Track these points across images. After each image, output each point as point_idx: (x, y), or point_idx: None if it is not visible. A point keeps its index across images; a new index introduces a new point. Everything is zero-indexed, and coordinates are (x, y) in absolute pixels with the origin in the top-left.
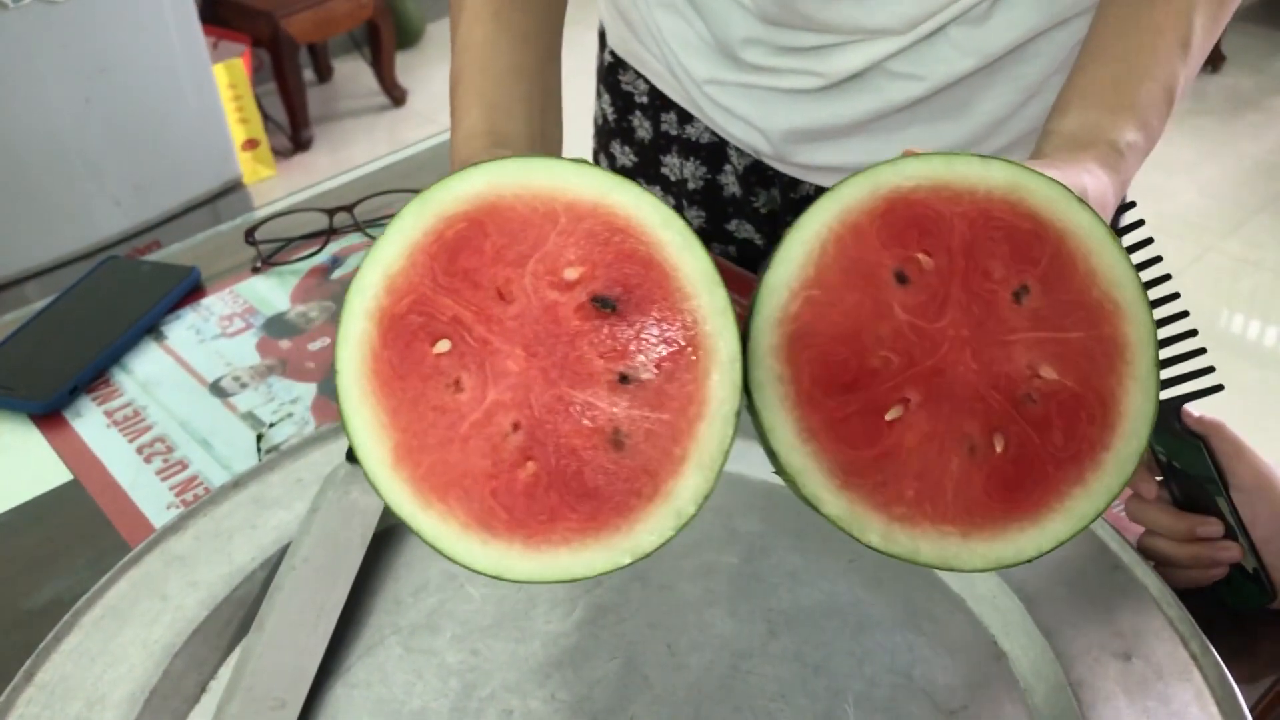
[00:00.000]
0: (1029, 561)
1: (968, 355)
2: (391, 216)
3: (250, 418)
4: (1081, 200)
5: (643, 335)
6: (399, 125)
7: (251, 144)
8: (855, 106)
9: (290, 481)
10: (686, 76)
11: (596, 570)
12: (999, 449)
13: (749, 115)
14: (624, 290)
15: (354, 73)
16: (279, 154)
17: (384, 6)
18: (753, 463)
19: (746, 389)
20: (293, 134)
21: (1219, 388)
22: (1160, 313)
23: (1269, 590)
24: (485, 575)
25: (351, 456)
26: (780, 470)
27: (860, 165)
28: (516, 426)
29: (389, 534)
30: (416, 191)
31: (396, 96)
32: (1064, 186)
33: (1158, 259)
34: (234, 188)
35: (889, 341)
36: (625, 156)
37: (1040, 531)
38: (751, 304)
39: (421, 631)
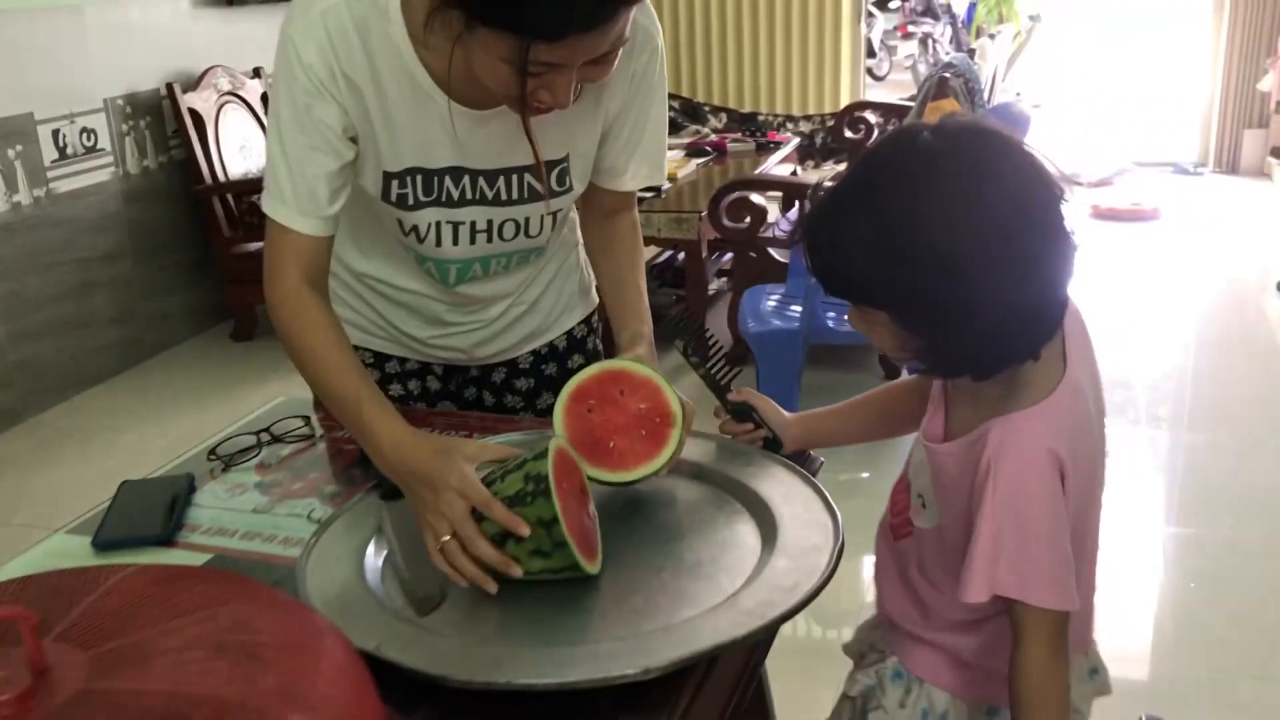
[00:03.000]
0: (648, 477)
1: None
2: (294, 434)
3: (293, 514)
4: (653, 369)
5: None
6: None
7: None
8: (503, 324)
9: (354, 518)
10: (412, 340)
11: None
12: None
13: (452, 344)
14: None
15: None
16: None
17: None
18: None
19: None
20: None
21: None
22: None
23: (780, 445)
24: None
25: (385, 495)
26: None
27: (505, 349)
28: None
29: None
30: (311, 419)
31: None
32: (652, 367)
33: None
34: None
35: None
36: None
37: (644, 468)
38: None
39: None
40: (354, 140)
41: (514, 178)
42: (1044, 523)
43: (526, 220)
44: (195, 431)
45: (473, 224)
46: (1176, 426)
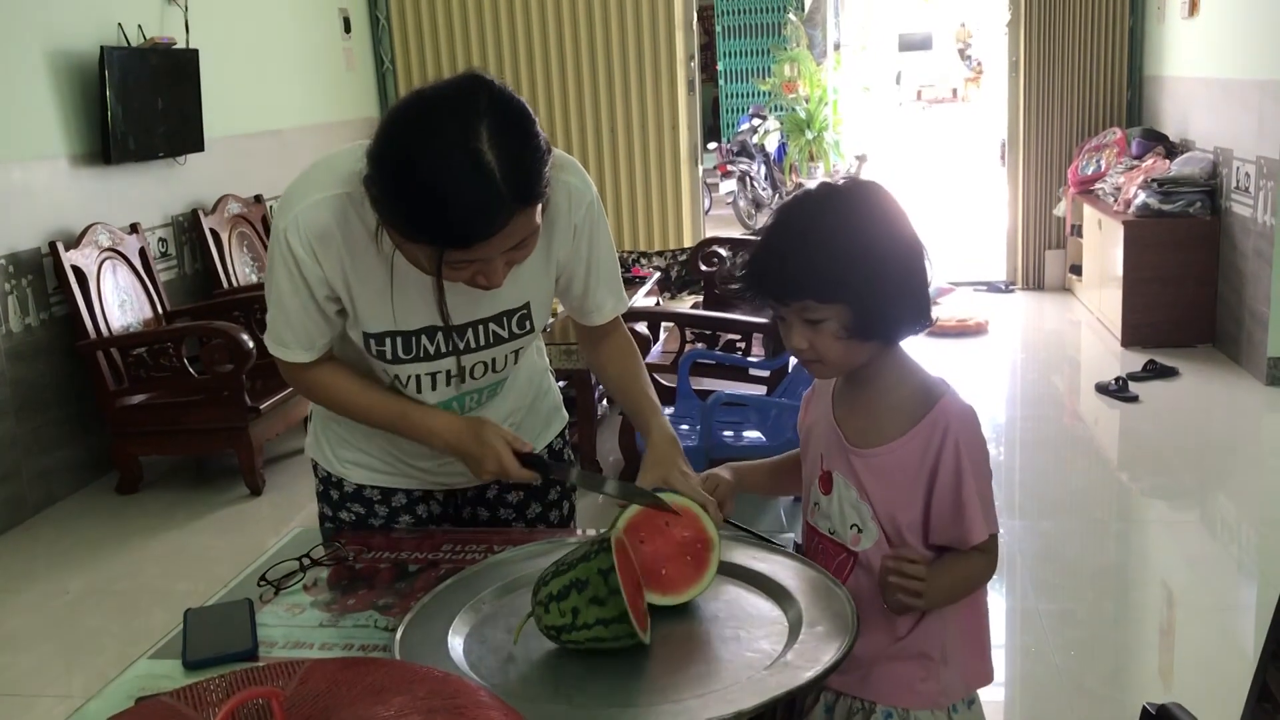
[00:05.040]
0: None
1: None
2: (329, 557)
3: (359, 625)
4: (690, 498)
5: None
6: None
7: None
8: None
9: (424, 617)
10: (421, 471)
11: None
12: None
13: (456, 469)
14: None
15: None
16: None
17: None
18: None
19: None
20: None
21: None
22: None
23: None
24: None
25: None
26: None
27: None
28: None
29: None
30: (341, 544)
31: None
32: (694, 500)
33: None
34: None
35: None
36: (375, 523)
37: (693, 590)
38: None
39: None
40: (336, 300)
41: (480, 328)
42: (989, 466)
43: (493, 360)
44: (99, 585)
45: (448, 371)
46: (1028, 515)
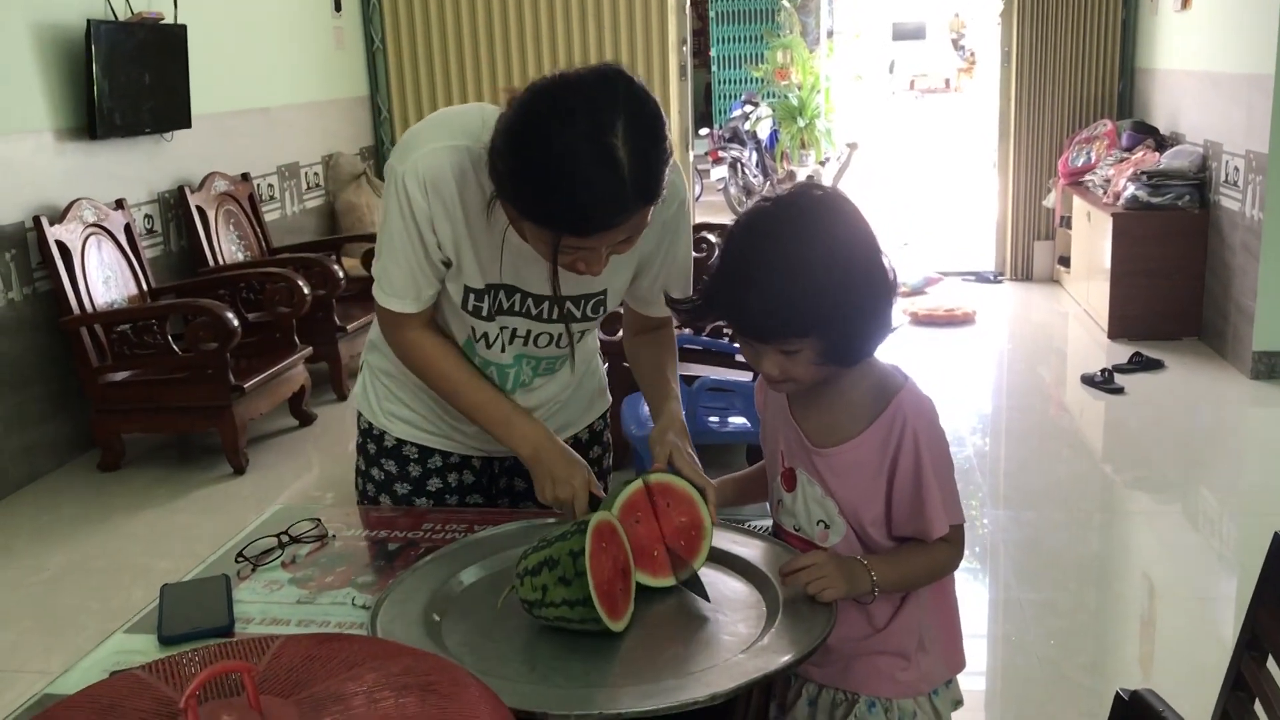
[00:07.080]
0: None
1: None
2: (310, 534)
3: (337, 603)
4: (694, 484)
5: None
6: None
7: None
8: (542, 418)
9: (401, 596)
10: (465, 435)
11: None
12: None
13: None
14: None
15: None
16: None
17: None
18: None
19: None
20: None
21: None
22: None
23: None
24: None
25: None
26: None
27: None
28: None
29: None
30: (320, 521)
31: None
32: (692, 483)
33: None
34: None
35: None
36: (402, 488)
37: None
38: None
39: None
40: (441, 249)
41: (555, 304)
42: (949, 457)
43: (559, 336)
44: (79, 562)
45: (514, 330)
46: (1012, 505)
